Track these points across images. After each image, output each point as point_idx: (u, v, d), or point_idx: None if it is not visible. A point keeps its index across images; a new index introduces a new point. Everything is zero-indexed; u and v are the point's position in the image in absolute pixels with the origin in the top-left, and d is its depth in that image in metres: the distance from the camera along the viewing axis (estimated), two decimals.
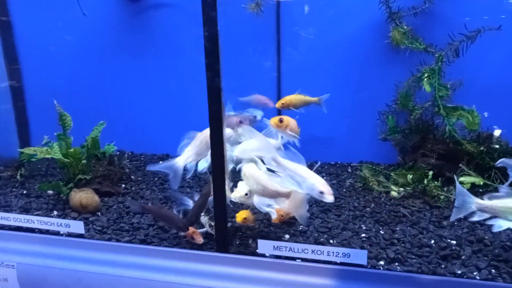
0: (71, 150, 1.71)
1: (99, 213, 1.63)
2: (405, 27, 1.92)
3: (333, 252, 1.22)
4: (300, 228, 1.48)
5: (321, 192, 1.21)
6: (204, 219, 1.45)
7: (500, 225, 1.21)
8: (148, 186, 1.92)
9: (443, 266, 1.21)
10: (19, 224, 1.53)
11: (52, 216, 1.63)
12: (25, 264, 1.48)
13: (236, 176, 1.48)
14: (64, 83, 2.49)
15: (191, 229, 1.38)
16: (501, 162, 1.33)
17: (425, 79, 1.90)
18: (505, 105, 1.89)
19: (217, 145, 1.24)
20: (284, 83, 2.30)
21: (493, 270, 1.18)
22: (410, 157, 1.97)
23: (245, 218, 1.35)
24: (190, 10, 2.31)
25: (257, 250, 1.33)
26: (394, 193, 1.77)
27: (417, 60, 1.98)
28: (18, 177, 2.04)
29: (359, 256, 1.20)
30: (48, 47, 2.43)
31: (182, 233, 1.42)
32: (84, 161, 1.75)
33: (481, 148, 1.75)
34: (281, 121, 1.55)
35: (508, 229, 1.23)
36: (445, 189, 1.70)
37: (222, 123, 1.24)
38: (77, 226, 1.47)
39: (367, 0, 2.03)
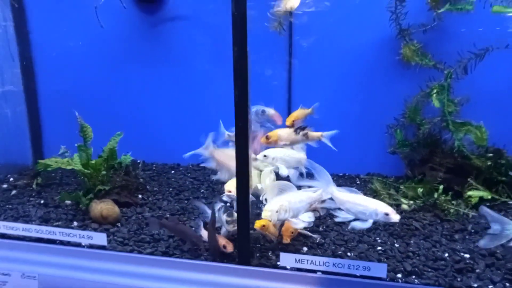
0: (93, 161, 1.75)
1: (119, 224, 1.67)
2: (415, 44, 1.98)
3: (353, 266, 1.26)
4: (318, 241, 1.52)
5: (387, 214, 1.28)
6: (222, 217, 1.47)
7: None
8: (164, 196, 1.95)
9: (458, 279, 1.26)
10: (40, 236, 1.56)
11: (72, 227, 1.66)
12: (47, 275, 1.51)
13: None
14: (77, 90, 2.54)
15: (222, 239, 1.41)
16: None
17: (434, 94, 1.97)
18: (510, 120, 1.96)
19: (242, 158, 1.28)
20: (295, 95, 2.36)
21: (507, 284, 1.23)
22: (418, 170, 2.03)
23: (263, 226, 1.39)
24: (204, 22, 2.36)
25: (278, 263, 1.37)
26: (405, 206, 1.82)
27: (425, 76, 2.04)
28: (34, 186, 2.07)
29: (379, 269, 1.25)
30: (63, 54, 2.48)
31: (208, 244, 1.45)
32: (104, 172, 1.79)
33: (489, 163, 1.82)
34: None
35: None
36: (453, 202, 1.75)
37: (247, 139, 1.28)
38: (100, 238, 1.50)
39: (378, 16, 2.09)
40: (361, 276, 1.27)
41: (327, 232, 1.58)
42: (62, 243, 1.56)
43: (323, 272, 1.30)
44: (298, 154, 1.66)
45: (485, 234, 1.32)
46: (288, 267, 1.34)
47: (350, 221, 1.34)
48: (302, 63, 2.32)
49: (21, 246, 1.57)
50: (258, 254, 1.43)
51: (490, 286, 1.23)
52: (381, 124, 2.23)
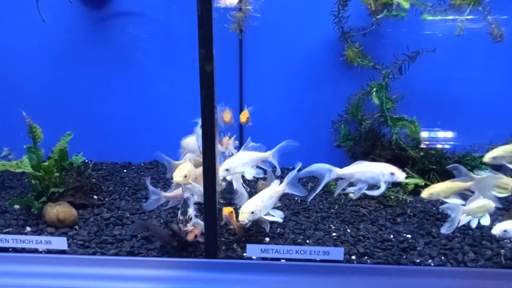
0: (45, 163, 1.67)
1: (76, 227, 1.63)
2: (357, 46, 2.16)
3: (314, 251, 1.38)
4: (278, 231, 1.62)
5: (392, 173, 1.43)
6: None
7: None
8: (121, 196, 1.93)
9: (404, 257, 1.44)
10: None
11: (25, 233, 1.59)
12: (3, 286, 1.44)
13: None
14: (18, 89, 2.39)
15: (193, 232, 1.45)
16: (453, 167, 1.60)
17: (374, 92, 2.16)
18: (439, 115, 2.22)
19: (209, 153, 1.33)
20: (246, 93, 2.44)
21: (442, 257, 1.43)
22: None
23: (231, 212, 1.46)
24: (152, 19, 2.35)
25: (244, 254, 1.45)
26: (351, 195, 1.98)
27: (365, 75, 2.23)
28: None
29: (337, 253, 1.38)
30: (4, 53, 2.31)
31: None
32: (56, 174, 1.72)
33: (422, 154, 2.05)
34: None
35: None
36: (393, 189, 1.96)
37: (214, 136, 1.33)
38: (59, 242, 1.46)
39: (322, 19, 2.24)
40: (321, 260, 1.39)
41: (285, 222, 1.69)
42: (16, 250, 1.48)
43: (287, 260, 1.41)
44: (255, 154, 1.71)
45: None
46: (254, 257, 1.43)
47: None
48: (252, 62, 2.41)
49: None
50: (223, 247, 1.50)
51: (430, 260, 1.42)
52: (326, 120, 2.40)
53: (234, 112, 2.43)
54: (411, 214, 1.78)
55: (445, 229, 1.49)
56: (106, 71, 2.40)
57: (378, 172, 1.48)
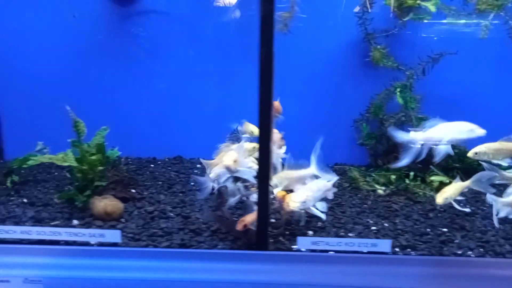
0: (93, 157, 1.69)
1: (123, 220, 1.66)
2: (383, 48, 2.23)
3: (363, 243, 1.45)
4: (319, 225, 1.69)
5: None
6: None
7: None
8: (158, 190, 1.96)
9: (445, 249, 1.52)
10: (42, 237, 1.49)
11: (73, 226, 1.61)
12: (54, 278, 1.45)
13: None
14: (40, 85, 2.39)
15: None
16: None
17: (398, 93, 2.25)
18: (460, 116, 2.31)
19: (264, 149, 1.38)
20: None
21: (481, 249, 1.51)
22: (383, 160, 2.31)
23: (284, 195, 1.52)
24: (180, 17, 2.38)
25: (293, 246, 1.51)
26: (380, 191, 2.07)
27: (385, 76, 2.32)
28: (8, 184, 1.92)
29: (384, 245, 1.45)
30: (26, 46, 2.31)
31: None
32: (100, 168, 1.75)
33: None
34: None
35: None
36: (420, 186, 2.05)
37: (270, 132, 1.38)
38: (113, 235, 1.49)
39: (346, 20, 2.31)
40: (368, 252, 1.46)
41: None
42: (67, 243, 1.51)
43: (335, 252, 1.47)
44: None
45: None
46: (303, 249, 1.49)
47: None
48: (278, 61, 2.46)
49: (21, 250, 1.48)
50: (271, 240, 1.55)
51: (469, 252, 1.50)
52: (346, 119, 2.48)
53: (254, 108, 2.51)
54: (442, 209, 1.86)
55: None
56: (131, 68, 2.43)
57: (465, 130, 1.59)
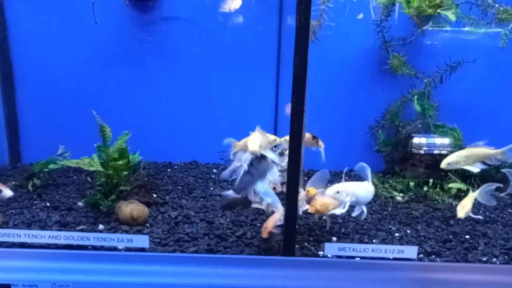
0: (119, 162, 1.71)
1: (147, 225, 1.67)
2: (402, 55, 2.25)
3: (389, 250, 1.46)
4: (343, 231, 1.70)
5: None
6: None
7: None
8: (179, 195, 1.98)
9: (470, 255, 1.53)
10: (70, 242, 1.50)
11: (99, 231, 1.62)
12: (82, 283, 1.46)
13: None
14: (57, 91, 2.41)
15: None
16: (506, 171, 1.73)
17: (416, 100, 2.26)
18: (475, 123, 2.34)
19: (294, 158, 1.39)
20: (282, 96, 2.51)
21: (506, 257, 1.52)
22: (399, 167, 2.31)
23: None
24: (197, 23, 2.40)
25: (319, 252, 1.52)
26: (399, 198, 2.08)
27: (401, 84, 2.34)
28: (29, 188, 1.93)
29: (411, 251, 1.46)
30: (46, 52, 2.33)
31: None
32: (125, 173, 1.76)
33: None
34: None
35: None
36: (439, 193, 2.06)
37: (301, 139, 1.40)
38: (141, 240, 1.49)
39: (361, 28, 2.34)
40: (394, 259, 1.47)
41: (346, 223, 1.77)
42: (95, 248, 1.52)
43: (361, 258, 1.48)
44: None
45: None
46: (330, 255, 1.50)
47: None
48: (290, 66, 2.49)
49: (48, 255, 1.49)
50: (297, 246, 1.56)
51: (494, 259, 1.51)
52: (362, 126, 2.50)
53: (269, 114, 2.53)
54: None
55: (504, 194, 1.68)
56: (148, 73, 2.45)
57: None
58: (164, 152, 2.55)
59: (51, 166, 1.92)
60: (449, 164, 1.76)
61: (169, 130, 2.53)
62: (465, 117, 2.34)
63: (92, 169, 1.70)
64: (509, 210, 1.98)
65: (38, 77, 2.37)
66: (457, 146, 2.18)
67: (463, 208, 1.68)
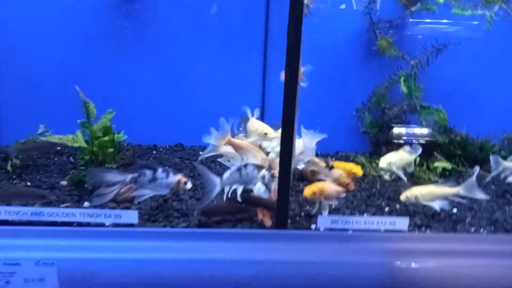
0: (105, 138, 1.65)
1: (135, 202, 1.62)
2: (390, 37, 2.27)
3: (381, 222, 1.47)
4: (333, 207, 1.70)
5: None
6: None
7: None
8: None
9: (458, 227, 1.56)
10: (54, 219, 1.44)
11: (85, 207, 1.56)
12: (68, 260, 1.40)
13: None
14: (39, 69, 2.32)
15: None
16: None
17: (402, 82, 2.29)
18: (462, 105, 2.38)
19: (287, 125, 1.37)
20: (270, 81, 2.49)
21: (492, 227, 1.56)
22: (386, 147, 2.34)
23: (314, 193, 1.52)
24: (184, 3, 2.35)
25: (312, 226, 1.51)
26: (386, 177, 2.10)
27: (388, 66, 2.36)
28: (9, 168, 1.85)
29: (403, 223, 1.47)
30: (24, 30, 2.23)
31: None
32: (110, 150, 1.70)
33: (448, 140, 2.20)
34: None
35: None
36: (426, 172, 2.09)
37: (294, 110, 1.38)
38: (130, 216, 1.45)
39: (349, 10, 2.35)
40: (385, 231, 1.48)
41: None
42: (80, 225, 1.46)
43: (353, 230, 1.48)
44: None
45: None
46: (322, 228, 1.49)
47: None
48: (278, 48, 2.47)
49: (32, 232, 1.43)
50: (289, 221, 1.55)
51: (481, 230, 1.55)
52: (349, 109, 2.51)
53: (256, 95, 2.50)
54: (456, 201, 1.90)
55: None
56: (133, 53, 2.38)
57: None
58: (148, 135, 2.49)
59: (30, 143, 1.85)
60: (407, 197, 1.64)
61: (153, 112, 2.47)
62: (450, 99, 2.38)
63: (76, 145, 1.64)
64: (492, 188, 2.03)
65: (16, 56, 2.27)
66: (442, 126, 2.22)
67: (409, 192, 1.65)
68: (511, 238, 1.50)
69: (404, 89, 2.27)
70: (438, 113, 2.22)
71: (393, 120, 2.36)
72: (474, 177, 1.59)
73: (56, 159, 2.11)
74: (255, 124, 1.78)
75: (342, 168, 1.66)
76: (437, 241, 1.46)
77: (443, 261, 1.43)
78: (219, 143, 1.73)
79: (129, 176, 1.41)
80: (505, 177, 1.87)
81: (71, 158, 2.00)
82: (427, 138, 2.24)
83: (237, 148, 1.71)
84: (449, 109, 2.31)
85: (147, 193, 1.46)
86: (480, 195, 1.59)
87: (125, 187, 1.46)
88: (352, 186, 1.68)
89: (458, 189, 1.60)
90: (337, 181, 1.65)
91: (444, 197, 1.61)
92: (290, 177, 1.43)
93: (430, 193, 1.60)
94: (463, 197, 1.60)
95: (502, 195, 1.92)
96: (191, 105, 2.49)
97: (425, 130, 2.26)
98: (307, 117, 2.46)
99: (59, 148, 2.17)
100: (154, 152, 2.34)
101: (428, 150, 2.16)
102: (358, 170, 1.67)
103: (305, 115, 2.44)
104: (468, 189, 1.59)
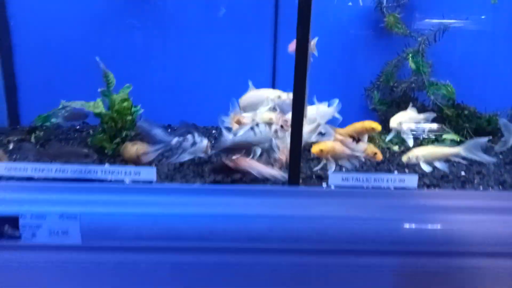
0: (124, 104, 1.73)
1: (153, 165, 1.69)
2: (397, 13, 2.32)
3: (390, 179, 1.51)
4: (344, 170, 1.75)
5: None
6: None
7: None
8: None
9: (467, 187, 1.60)
10: (77, 176, 1.52)
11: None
12: (90, 214, 1.47)
13: None
14: (58, 49, 2.41)
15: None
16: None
17: (410, 58, 2.33)
18: (471, 81, 2.41)
19: (300, 75, 1.42)
20: (280, 59, 2.55)
21: (500, 187, 1.59)
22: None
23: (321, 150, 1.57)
24: None
25: (323, 183, 1.57)
26: (395, 148, 2.14)
27: (397, 45, 2.41)
28: (32, 140, 1.94)
29: (412, 180, 1.52)
30: (43, 10, 2.33)
31: None
32: (129, 118, 1.78)
33: (456, 113, 2.24)
34: None
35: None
36: (434, 144, 2.13)
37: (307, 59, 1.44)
38: (149, 173, 1.52)
39: None
40: (395, 188, 1.53)
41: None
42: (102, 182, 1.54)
43: (363, 188, 1.53)
44: None
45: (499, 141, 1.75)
46: (333, 186, 1.54)
47: None
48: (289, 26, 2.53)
49: (55, 188, 1.51)
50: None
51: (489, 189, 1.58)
52: (358, 88, 2.56)
53: (265, 81, 2.55)
54: (456, 161, 1.94)
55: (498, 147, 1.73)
56: (146, 35, 2.46)
57: None
58: (162, 115, 2.56)
59: (54, 120, 1.94)
60: (409, 158, 1.71)
61: (167, 93, 2.53)
62: (459, 76, 2.41)
63: (96, 111, 1.72)
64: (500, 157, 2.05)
65: (36, 35, 2.37)
66: (451, 99, 2.26)
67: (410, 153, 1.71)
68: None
69: (412, 65, 2.31)
70: (446, 88, 2.26)
71: (401, 98, 2.41)
72: (477, 140, 1.63)
73: (76, 135, 2.20)
74: (263, 92, 1.84)
75: (360, 128, 1.70)
76: (446, 197, 1.50)
77: (452, 217, 1.47)
78: (232, 123, 1.81)
79: (174, 139, 1.49)
80: None
81: (90, 131, 2.09)
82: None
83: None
84: (457, 86, 2.35)
85: (187, 157, 1.53)
86: (483, 156, 1.62)
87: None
88: (380, 156, 1.69)
89: (459, 149, 1.63)
90: (365, 153, 1.68)
91: (445, 157, 1.64)
92: (302, 133, 1.49)
93: (431, 154, 1.64)
94: (464, 158, 1.63)
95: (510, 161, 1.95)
96: (203, 86, 2.55)
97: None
98: (317, 96, 2.55)
99: (78, 127, 2.27)
100: (169, 130, 2.41)
101: (436, 122, 2.20)
102: (376, 125, 1.70)
103: (314, 93, 2.54)
104: (469, 150, 1.62)
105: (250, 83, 2.01)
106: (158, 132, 1.47)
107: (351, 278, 1.47)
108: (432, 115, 1.91)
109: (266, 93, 1.85)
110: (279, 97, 1.79)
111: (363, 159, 1.71)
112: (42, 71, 2.43)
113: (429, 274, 1.45)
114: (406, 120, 1.85)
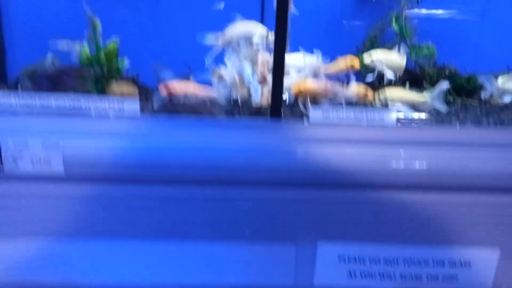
0: (110, 47, 1.75)
1: None
2: None
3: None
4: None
5: None
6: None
7: None
8: None
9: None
10: (61, 103, 1.53)
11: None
12: (73, 144, 1.48)
13: None
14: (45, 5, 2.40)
15: None
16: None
17: (393, 21, 2.40)
18: (454, 44, 2.48)
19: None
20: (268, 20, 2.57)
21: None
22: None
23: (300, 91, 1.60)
24: None
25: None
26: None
27: (381, 10, 2.48)
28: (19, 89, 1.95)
29: (390, 119, 1.56)
30: None
31: None
32: (116, 65, 1.80)
33: (437, 72, 2.30)
34: None
35: None
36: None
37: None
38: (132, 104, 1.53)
39: None
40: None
41: None
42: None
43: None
44: None
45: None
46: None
47: None
48: None
49: (38, 117, 1.52)
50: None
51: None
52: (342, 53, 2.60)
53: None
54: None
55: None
56: None
57: None
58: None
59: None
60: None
61: (158, 45, 2.50)
62: (443, 39, 2.48)
63: (83, 55, 1.74)
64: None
65: None
66: (432, 59, 2.32)
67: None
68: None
69: (395, 27, 2.37)
70: (428, 49, 2.32)
71: None
72: (440, 88, 1.68)
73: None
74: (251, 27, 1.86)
75: (344, 67, 1.73)
76: (426, 131, 1.55)
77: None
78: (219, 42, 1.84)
79: None
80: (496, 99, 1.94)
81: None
82: None
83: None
84: (440, 48, 2.41)
85: None
86: (440, 106, 1.67)
87: None
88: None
89: (426, 98, 1.68)
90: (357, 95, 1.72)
91: (412, 104, 1.69)
92: (283, 65, 1.51)
93: (400, 97, 1.69)
94: (428, 108, 1.69)
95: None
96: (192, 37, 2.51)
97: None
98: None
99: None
100: None
101: (417, 81, 2.26)
102: (355, 62, 1.74)
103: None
104: (432, 99, 1.67)
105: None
106: None
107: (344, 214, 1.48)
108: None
109: (254, 29, 1.86)
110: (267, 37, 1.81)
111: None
112: (31, 27, 2.42)
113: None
114: (383, 59, 1.90)
